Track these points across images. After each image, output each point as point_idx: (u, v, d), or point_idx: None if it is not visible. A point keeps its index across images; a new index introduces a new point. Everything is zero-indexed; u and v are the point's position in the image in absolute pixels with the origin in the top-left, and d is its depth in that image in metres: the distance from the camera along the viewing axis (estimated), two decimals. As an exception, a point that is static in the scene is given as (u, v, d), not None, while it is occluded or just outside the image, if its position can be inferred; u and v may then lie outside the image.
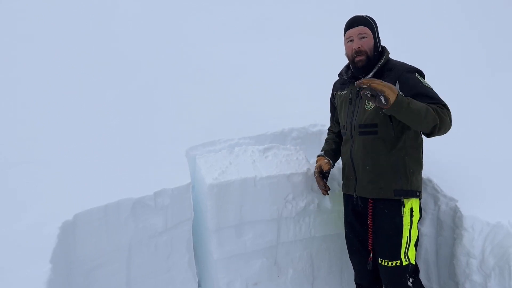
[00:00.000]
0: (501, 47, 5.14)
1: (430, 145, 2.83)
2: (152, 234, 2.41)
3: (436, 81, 4.24)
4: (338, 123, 2.69)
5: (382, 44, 2.43)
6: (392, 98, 1.94)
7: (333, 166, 2.67)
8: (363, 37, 2.30)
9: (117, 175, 2.48)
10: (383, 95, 1.93)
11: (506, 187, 2.67)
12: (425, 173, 2.71)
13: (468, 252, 2.40)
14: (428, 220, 2.70)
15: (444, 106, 2.16)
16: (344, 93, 2.51)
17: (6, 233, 1.97)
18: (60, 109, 3.26)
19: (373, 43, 2.32)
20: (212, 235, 2.56)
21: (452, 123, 2.17)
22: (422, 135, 2.35)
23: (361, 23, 2.31)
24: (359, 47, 2.30)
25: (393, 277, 2.35)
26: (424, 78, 2.26)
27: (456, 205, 2.55)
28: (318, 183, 2.61)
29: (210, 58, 4.40)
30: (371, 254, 2.42)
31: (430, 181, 2.73)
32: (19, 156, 2.67)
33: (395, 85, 2.22)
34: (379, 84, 1.93)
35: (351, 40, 2.34)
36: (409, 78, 2.22)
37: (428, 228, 2.71)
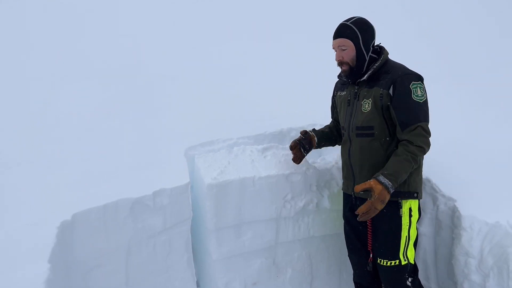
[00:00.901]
0: (502, 46, 5.14)
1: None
2: (151, 234, 2.41)
3: (435, 81, 4.25)
4: (338, 122, 2.70)
5: (381, 43, 2.42)
6: (384, 197, 2.10)
7: (317, 144, 2.66)
8: (344, 49, 2.30)
9: (116, 175, 2.48)
10: (377, 208, 2.12)
11: (504, 187, 2.67)
12: (424, 172, 2.70)
13: (467, 252, 2.40)
14: (426, 220, 2.70)
15: (416, 128, 2.16)
16: (344, 94, 2.51)
17: (4, 232, 1.97)
18: (59, 109, 3.26)
19: (354, 53, 2.29)
20: (211, 235, 2.56)
21: (431, 138, 2.20)
22: None
23: (341, 35, 2.29)
24: (340, 59, 2.32)
25: (392, 276, 2.36)
26: (422, 84, 2.22)
27: (454, 205, 2.55)
28: (292, 146, 2.59)
29: (209, 58, 4.39)
30: (371, 255, 2.43)
31: (429, 181, 2.73)
32: (18, 156, 2.67)
33: (389, 89, 2.22)
34: (373, 212, 2.13)
35: (335, 51, 2.36)
36: (402, 86, 2.19)
37: (426, 228, 2.71)
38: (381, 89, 2.25)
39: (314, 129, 2.74)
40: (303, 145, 2.62)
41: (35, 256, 1.82)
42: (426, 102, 2.22)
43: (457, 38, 5.34)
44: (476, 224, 2.40)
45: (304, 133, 2.64)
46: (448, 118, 3.60)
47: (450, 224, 2.58)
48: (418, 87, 2.20)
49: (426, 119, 2.21)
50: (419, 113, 2.18)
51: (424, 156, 2.46)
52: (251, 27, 5.08)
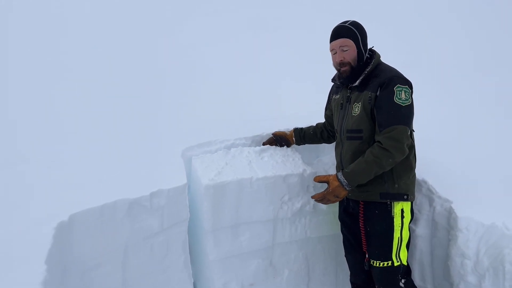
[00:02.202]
0: (495, 48, 5.18)
1: (425, 147, 2.85)
2: (148, 234, 2.40)
3: (430, 83, 4.27)
4: (329, 123, 2.79)
5: (374, 47, 2.43)
6: (339, 192, 2.29)
7: (296, 143, 2.91)
8: (345, 49, 2.30)
9: (113, 176, 2.47)
10: (331, 200, 2.34)
11: (500, 188, 2.69)
12: (420, 174, 2.73)
13: (463, 253, 2.41)
14: (423, 221, 2.71)
15: (392, 131, 2.16)
16: (338, 98, 2.55)
17: (1, 233, 1.96)
18: (56, 109, 3.25)
19: (356, 53, 2.31)
20: (208, 236, 2.56)
21: (421, 142, 2.23)
22: (412, 140, 2.35)
23: (343, 35, 2.30)
24: (341, 60, 2.32)
25: (385, 277, 2.39)
26: (408, 89, 2.21)
27: (451, 206, 2.56)
28: (264, 143, 2.95)
29: (206, 59, 4.40)
30: (367, 255, 2.45)
31: (425, 182, 2.74)
32: (14, 156, 2.65)
33: (377, 92, 2.23)
34: (326, 201, 2.36)
35: (335, 52, 2.36)
36: (387, 88, 2.20)
37: (423, 229, 2.72)
38: (370, 93, 2.27)
39: (296, 129, 2.91)
40: (280, 142, 2.91)
41: (31, 257, 1.81)
42: (409, 107, 2.19)
43: (454, 38, 5.37)
44: (472, 225, 2.41)
45: (274, 135, 2.93)
46: (444, 119, 3.62)
47: (446, 225, 2.59)
48: (403, 91, 2.18)
49: (405, 123, 2.18)
50: (398, 115, 2.17)
51: (420, 157, 2.49)
52: (250, 28, 5.09)
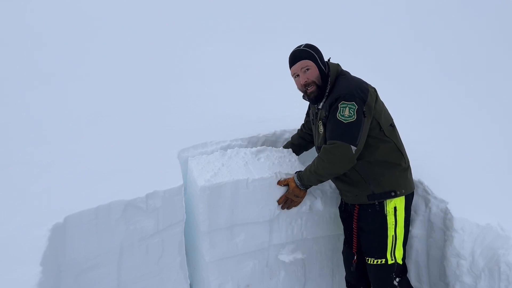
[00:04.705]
0: (495, 48, 5.20)
1: (421, 148, 2.86)
2: (144, 236, 2.40)
3: (426, 84, 4.29)
4: (309, 128, 2.81)
5: (330, 59, 2.49)
6: (298, 192, 2.47)
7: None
8: (307, 70, 2.35)
9: (109, 177, 2.46)
10: (294, 200, 2.52)
11: (496, 189, 2.70)
12: (416, 175, 2.74)
13: (458, 253, 2.42)
14: (419, 221, 2.72)
15: (330, 144, 2.23)
16: (311, 112, 2.61)
17: (-4, 235, 1.96)
18: (52, 111, 3.24)
19: (318, 72, 2.36)
20: (204, 237, 2.55)
21: (343, 155, 2.20)
22: (385, 136, 2.34)
23: (301, 58, 2.36)
24: (306, 81, 2.36)
25: (378, 275, 2.43)
26: (354, 105, 2.19)
27: (446, 207, 2.57)
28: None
29: (203, 60, 4.40)
30: (355, 257, 2.52)
31: (421, 183, 2.75)
32: (10, 157, 2.64)
33: (328, 110, 2.28)
34: (290, 205, 2.55)
35: (297, 75, 2.41)
36: (334, 104, 2.25)
37: (419, 230, 2.73)
38: (324, 112, 2.33)
39: (285, 145, 2.94)
40: None
41: (27, 258, 1.80)
42: (351, 123, 2.19)
43: (456, 39, 5.39)
44: (468, 226, 2.43)
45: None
46: (439, 120, 3.63)
47: (442, 226, 2.60)
48: (347, 107, 2.20)
49: (345, 139, 2.19)
50: (338, 132, 2.21)
51: (416, 158, 2.50)
52: (246, 29, 5.09)
